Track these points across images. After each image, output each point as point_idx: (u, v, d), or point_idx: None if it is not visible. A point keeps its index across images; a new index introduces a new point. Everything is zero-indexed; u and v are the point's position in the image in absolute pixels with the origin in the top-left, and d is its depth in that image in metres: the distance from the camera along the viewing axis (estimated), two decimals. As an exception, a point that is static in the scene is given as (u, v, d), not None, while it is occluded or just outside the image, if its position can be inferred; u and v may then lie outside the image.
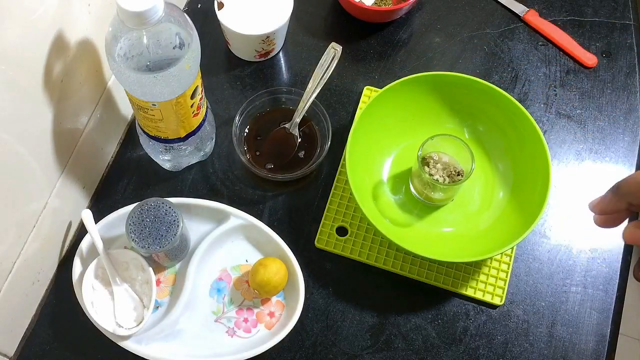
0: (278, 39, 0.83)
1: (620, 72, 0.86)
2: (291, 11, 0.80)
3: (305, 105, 0.77)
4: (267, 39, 0.80)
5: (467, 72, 0.85)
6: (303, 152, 0.78)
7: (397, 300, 0.72)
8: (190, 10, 0.89)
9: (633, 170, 0.80)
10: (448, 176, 0.73)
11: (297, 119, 0.78)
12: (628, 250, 0.76)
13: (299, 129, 0.78)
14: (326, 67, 0.76)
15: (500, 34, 0.89)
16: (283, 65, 0.86)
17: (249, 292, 0.71)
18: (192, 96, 0.65)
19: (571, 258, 0.75)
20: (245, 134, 0.79)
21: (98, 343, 0.68)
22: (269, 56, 0.85)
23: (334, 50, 0.76)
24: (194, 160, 0.78)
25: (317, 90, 0.76)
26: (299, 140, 0.78)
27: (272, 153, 0.78)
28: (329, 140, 0.76)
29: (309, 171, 0.76)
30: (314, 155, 0.78)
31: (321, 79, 0.76)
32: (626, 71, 0.86)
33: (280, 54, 0.87)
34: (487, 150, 0.77)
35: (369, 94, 0.83)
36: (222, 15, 0.79)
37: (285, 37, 0.85)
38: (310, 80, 0.76)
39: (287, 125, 0.78)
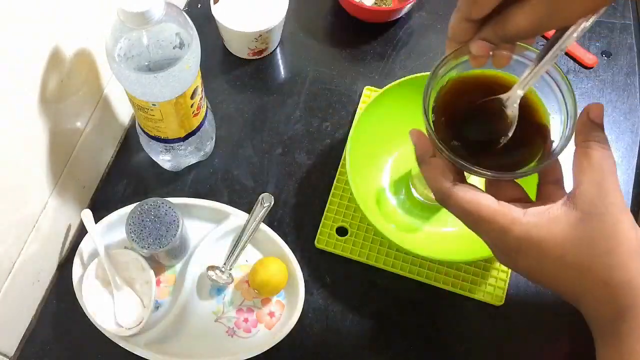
0: (272, 37, 0.82)
1: (620, 72, 0.86)
2: (286, 11, 0.80)
3: (537, 71, 0.45)
4: (260, 37, 0.80)
5: (467, 72, 0.85)
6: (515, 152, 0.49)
7: (397, 300, 0.72)
8: (190, 10, 0.89)
9: (633, 172, 0.80)
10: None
11: (520, 90, 0.47)
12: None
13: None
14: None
15: (500, 34, 0.89)
16: (284, 64, 0.86)
17: (249, 292, 0.71)
18: (192, 96, 0.65)
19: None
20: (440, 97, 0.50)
21: (98, 343, 0.68)
22: (263, 55, 0.85)
23: None
24: (194, 160, 0.78)
25: (564, 48, 0.43)
26: (514, 126, 0.48)
27: (468, 131, 0.50)
28: (569, 128, 0.46)
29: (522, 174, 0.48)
30: (531, 152, 0.49)
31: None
32: (626, 71, 0.86)
33: (281, 53, 0.87)
34: (487, 150, 0.77)
35: (369, 94, 0.83)
36: (216, 10, 0.80)
37: (280, 36, 0.85)
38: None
39: (503, 98, 0.48)
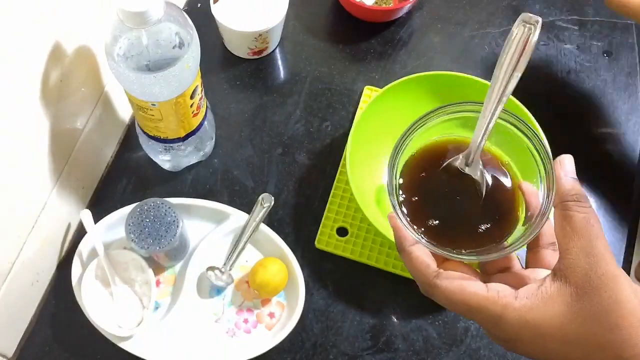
0: (272, 37, 0.82)
1: (622, 72, 0.86)
2: (286, 11, 0.80)
3: (489, 123, 0.44)
4: (260, 37, 0.80)
5: (468, 71, 0.85)
6: (488, 224, 0.45)
7: (397, 301, 0.72)
8: (189, 9, 0.89)
9: (635, 171, 0.80)
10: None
11: (477, 143, 0.45)
12: (629, 251, 0.75)
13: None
14: (519, 51, 0.41)
15: (501, 34, 0.89)
16: (284, 64, 0.86)
17: (249, 292, 0.71)
18: (192, 96, 0.65)
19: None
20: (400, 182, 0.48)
21: (98, 344, 0.68)
22: (263, 54, 0.85)
23: (525, 27, 0.41)
24: (193, 160, 0.77)
25: (507, 94, 0.44)
26: (486, 187, 0.46)
27: (439, 210, 0.47)
28: (551, 191, 0.42)
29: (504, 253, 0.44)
30: (511, 220, 0.45)
31: (514, 70, 0.43)
32: (627, 71, 0.86)
33: (281, 52, 0.86)
34: (488, 151, 0.77)
35: (369, 94, 0.83)
36: (216, 10, 0.79)
37: (280, 36, 0.85)
38: (496, 73, 0.43)
39: (458, 163, 0.46)
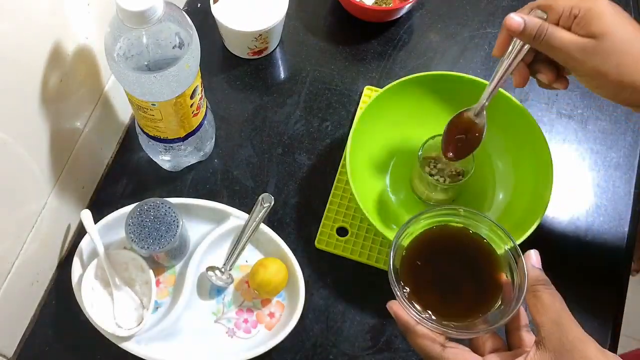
0: (272, 37, 0.82)
1: (622, 71, 0.86)
2: (286, 10, 0.80)
3: (495, 87, 0.62)
4: (260, 37, 0.80)
5: (468, 71, 0.85)
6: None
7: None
8: (189, 9, 0.89)
9: (634, 172, 0.79)
10: (448, 176, 0.73)
11: (485, 101, 0.63)
12: (629, 250, 0.75)
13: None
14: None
15: (501, 34, 0.88)
16: (284, 64, 0.86)
17: (249, 292, 0.71)
18: (192, 96, 0.65)
19: (571, 259, 0.74)
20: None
21: (97, 344, 0.68)
22: (263, 54, 0.85)
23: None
24: (193, 160, 0.77)
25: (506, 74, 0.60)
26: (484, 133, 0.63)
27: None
28: (523, 283, 0.50)
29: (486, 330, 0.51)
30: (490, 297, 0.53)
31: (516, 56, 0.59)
32: (627, 71, 0.86)
33: (281, 52, 0.86)
34: (487, 151, 0.77)
35: (369, 94, 0.83)
36: (216, 10, 0.80)
37: (280, 36, 0.85)
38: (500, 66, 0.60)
39: (470, 113, 0.64)
